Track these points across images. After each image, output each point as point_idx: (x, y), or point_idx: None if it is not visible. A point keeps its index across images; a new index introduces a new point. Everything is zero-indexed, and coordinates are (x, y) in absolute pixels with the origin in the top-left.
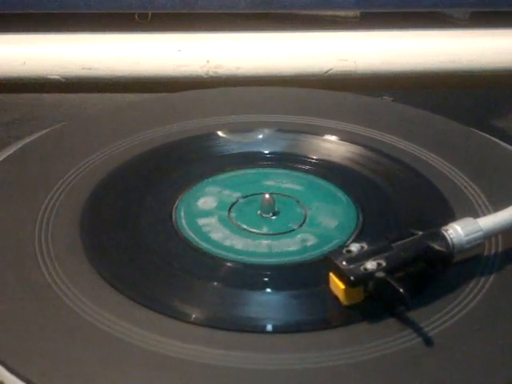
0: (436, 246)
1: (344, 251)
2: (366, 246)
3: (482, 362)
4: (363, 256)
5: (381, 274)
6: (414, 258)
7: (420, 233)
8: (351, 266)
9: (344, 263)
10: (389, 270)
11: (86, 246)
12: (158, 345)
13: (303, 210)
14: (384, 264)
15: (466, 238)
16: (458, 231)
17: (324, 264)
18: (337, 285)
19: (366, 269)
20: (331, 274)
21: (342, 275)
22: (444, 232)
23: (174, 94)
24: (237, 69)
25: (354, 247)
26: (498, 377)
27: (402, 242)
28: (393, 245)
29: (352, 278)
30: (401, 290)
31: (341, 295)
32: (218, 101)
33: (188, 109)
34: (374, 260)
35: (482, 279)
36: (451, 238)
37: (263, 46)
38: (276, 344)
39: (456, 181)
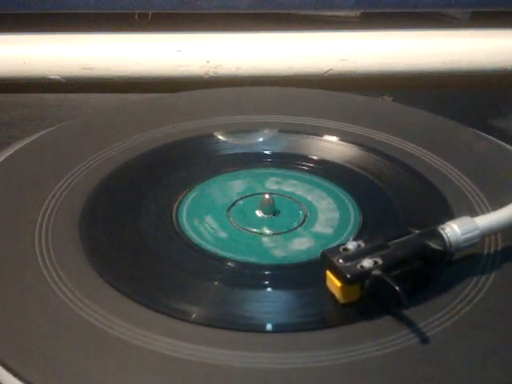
0: (433, 245)
1: (341, 249)
2: (362, 244)
3: (480, 363)
4: (360, 254)
5: (377, 272)
6: (411, 256)
7: (417, 231)
8: (348, 264)
9: (340, 261)
10: (385, 268)
11: (86, 247)
12: (158, 344)
13: (303, 210)
14: (380, 262)
15: (463, 236)
16: (454, 230)
17: (321, 263)
18: (333, 283)
19: (362, 267)
20: (328, 272)
21: (338, 273)
22: (441, 230)
23: (174, 94)
24: (237, 69)
25: (351, 245)
26: (496, 377)
27: (399, 240)
28: (389, 243)
29: (348, 275)
30: (397, 288)
31: (337, 293)
32: (218, 101)
33: (188, 109)
34: (370, 258)
35: (481, 279)
36: (448, 237)
37: (263, 46)
38: (274, 343)
39: (455, 181)
